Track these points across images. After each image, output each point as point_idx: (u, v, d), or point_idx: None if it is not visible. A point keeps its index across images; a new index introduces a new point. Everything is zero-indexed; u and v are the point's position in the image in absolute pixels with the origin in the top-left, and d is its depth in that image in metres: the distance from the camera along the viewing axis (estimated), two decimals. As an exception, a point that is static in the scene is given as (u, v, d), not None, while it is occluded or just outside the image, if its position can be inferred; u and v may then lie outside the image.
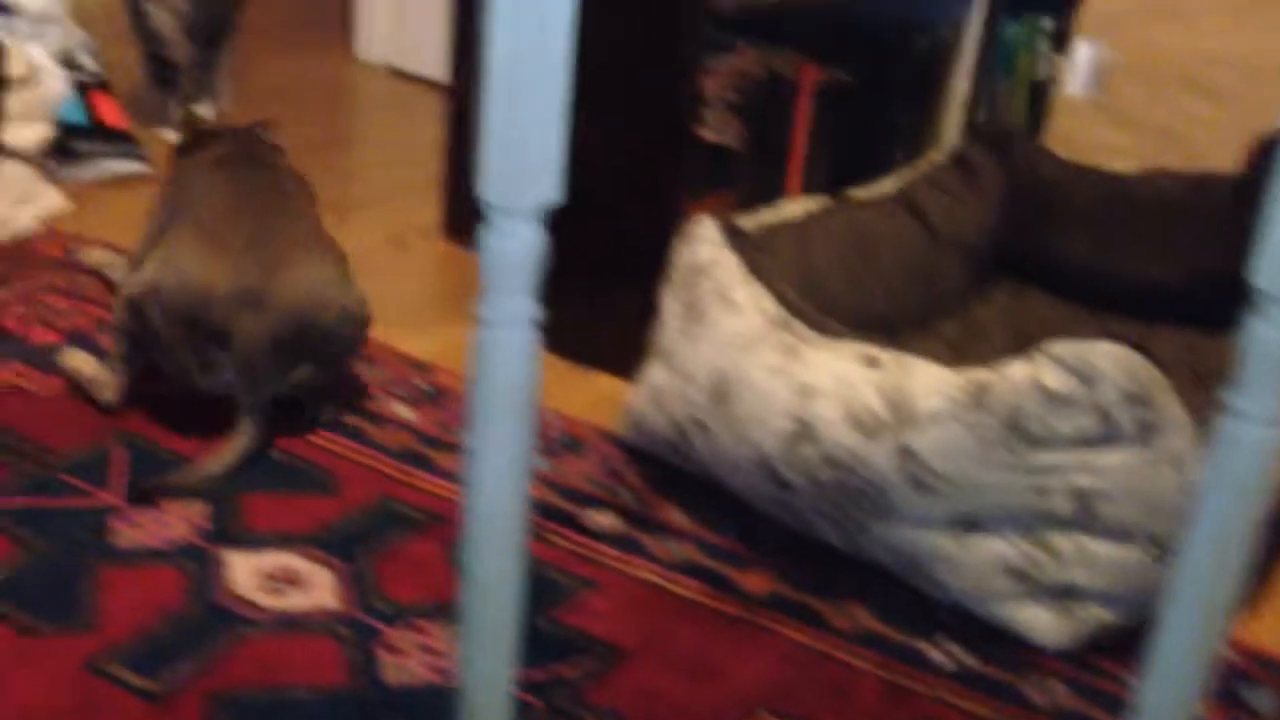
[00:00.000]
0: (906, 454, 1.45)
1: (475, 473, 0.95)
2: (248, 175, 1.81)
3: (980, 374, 1.45)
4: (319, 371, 1.71)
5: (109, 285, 2.02)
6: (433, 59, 3.28)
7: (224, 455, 1.63)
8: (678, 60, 1.87)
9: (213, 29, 2.77)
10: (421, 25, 3.31)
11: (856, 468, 1.48)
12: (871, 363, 1.51)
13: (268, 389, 1.64)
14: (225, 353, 1.63)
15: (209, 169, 1.82)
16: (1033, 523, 1.45)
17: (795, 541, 1.61)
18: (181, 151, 1.93)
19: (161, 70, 2.76)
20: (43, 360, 1.85)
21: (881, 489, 1.47)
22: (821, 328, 1.59)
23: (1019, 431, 1.42)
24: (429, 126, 2.99)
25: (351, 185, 2.74)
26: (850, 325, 1.62)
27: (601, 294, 1.95)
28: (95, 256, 2.16)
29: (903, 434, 1.45)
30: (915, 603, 1.53)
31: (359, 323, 1.74)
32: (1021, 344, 1.50)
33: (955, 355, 1.58)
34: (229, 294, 1.62)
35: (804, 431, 1.51)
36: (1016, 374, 1.43)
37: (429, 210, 2.53)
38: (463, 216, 2.44)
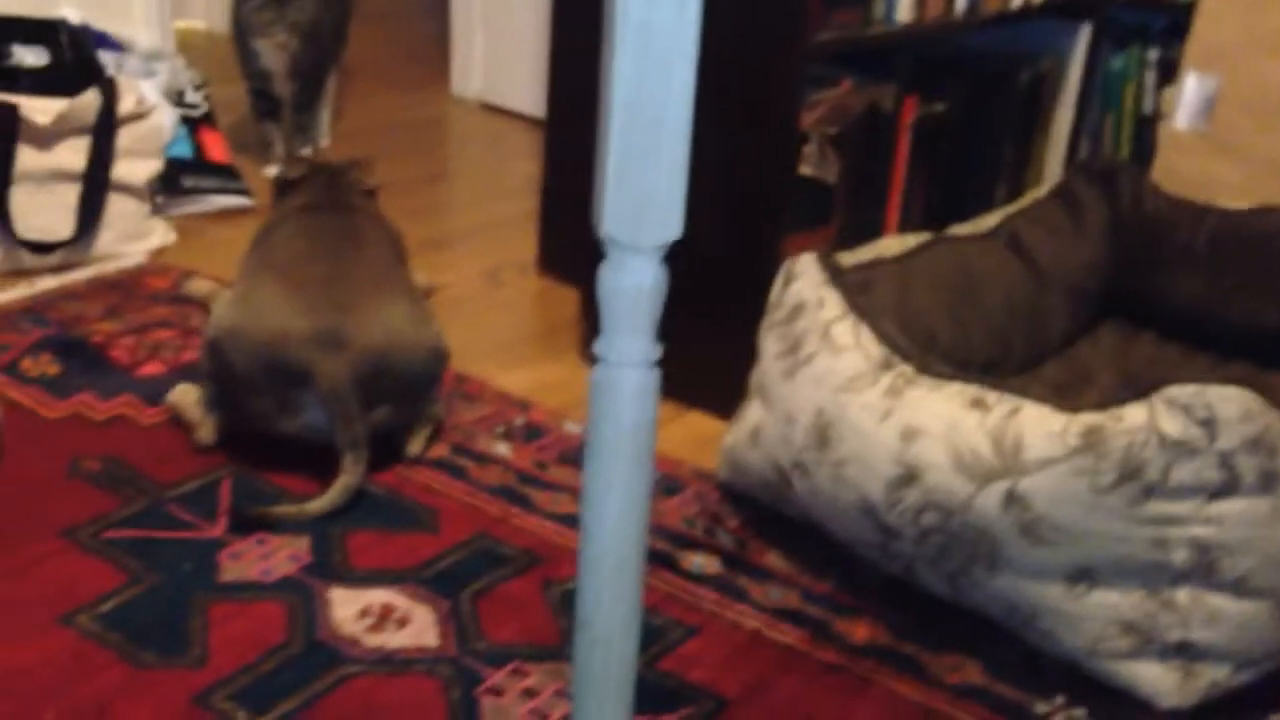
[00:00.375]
0: (1016, 501, 1.41)
1: (591, 516, 0.94)
2: (330, 219, 1.85)
3: (1092, 418, 1.41)
4: (397, 411, 1.73)
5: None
6: (527, 94, 3.31)
7: (331, 496, 1.64)
8: (777, 95, 1.86)
9: (317, 67, 2.86)
10: (515, 62, 3.34)
11: (963, 514, 1.45)
12: (979, 405, 1.48)
13: (360, 426, 1.65)
14: (308, 394, 1.65)
15: (295, 214, 1.87)
16: (1150, 575, 1.40)
17: (898, 589, 1.58)
18: (278, 194, 2.00)
19: (267, 105, 2.84)
20: (150, 392, 1.88)
21: (990, 537, 1.43)
22: (926, 368, 1.55)
23: (1135, 479, 1.37)
24: (523, 162, 3.02)
25: (447, 221, 2.76)
26: (952, 365, 1.59)
27: (698, 332, 1.94)
28: (199, 287, 2.21)
29: (1012, 480, 1.42)
30: (1025, 657, 1.48)
31: (437, 360, 1.77)
32: (1130, 386, 1.45)
33: (1061, 398, 1.54)
34: (306, 335, 1.65)
35: (908, 475, 1.48)
36: (1132, 418, 1.39)
37: (524, 245, 2.54)
38: (558, 252, 2.45)
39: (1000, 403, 1.47)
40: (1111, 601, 1.41)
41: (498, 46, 3.39)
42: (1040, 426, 1.42)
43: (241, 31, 2.77)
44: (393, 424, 1.74)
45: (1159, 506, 1.37)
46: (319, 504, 1.63)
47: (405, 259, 1.91)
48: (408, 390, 1.73)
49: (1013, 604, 1.47)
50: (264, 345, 1.65)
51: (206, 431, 1.75)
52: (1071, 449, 1.39)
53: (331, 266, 1.74)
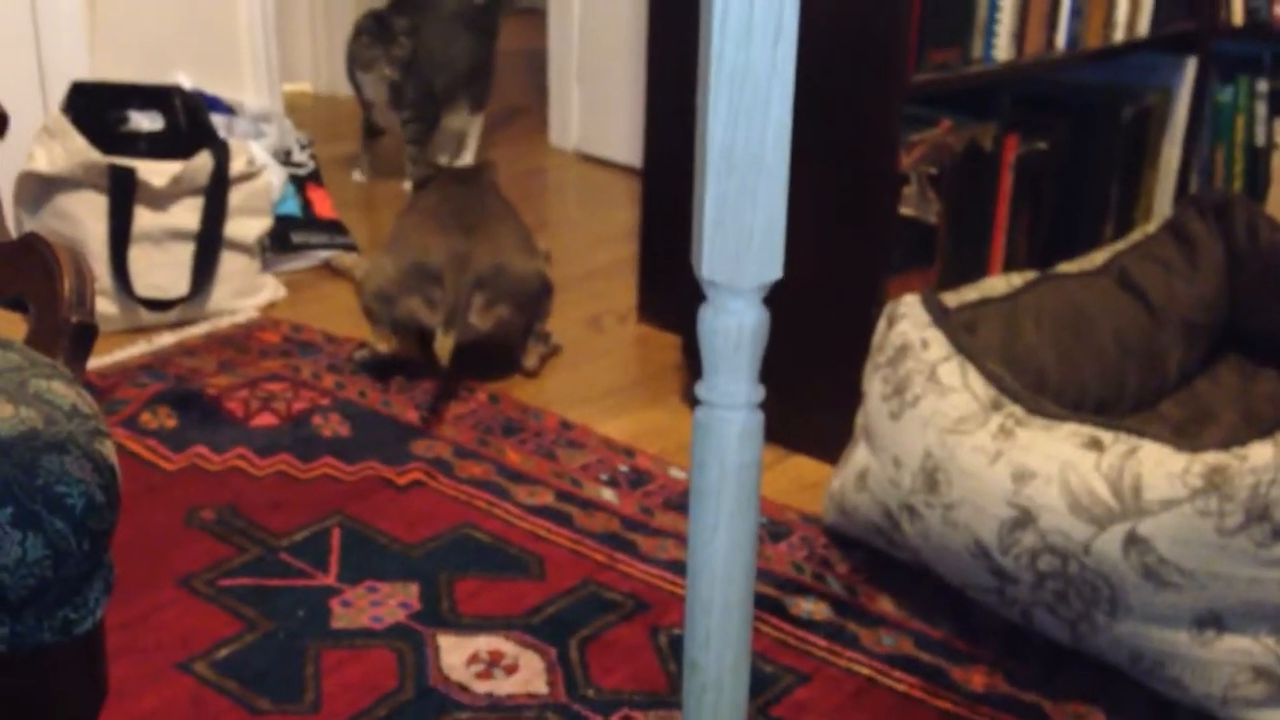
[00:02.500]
0: (1137, 544, 1.37)
1: (698, 559, 0.94)
2: (460, 189, 2.32)
3: (1216, 457, 1.37)
4: (512, 314, 2.15)
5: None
6: (623, 144, 3.34)
7: (443, 357, 2.02)
8: (875, 136, 1.85)
9: (423, 102, 3.10)
10: (612, 113, 3.38)
11: (1082, 557, 1.40)
12: (1094, 445, 1.44)
13: (460, 317, 2.07)
14: (440, 290, 2.09)
15: (431, 190, 2.34)
16: (1282, 619, 1.34)
17: (1015, 635, 1.53)
18: (416, 188, 2.43)
19: (369, 131, 3.18)
20: (263, 444, 1.92)
21: (1110, 581, 1.39)
22: (1037, 408, 1.52)
23: (1263, 520, 1.32)
24: (621, 211, 3.04)
25: (549, 270, 2.79)
26: (1064, 405, 1.55)
27: (801, 374, 1.92)
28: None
29: (1132, 522, 1.37)
30: (1151, 705, 1.43)
31: (542, 284, 2.21)
32: (1254, 424, 1.41)
33: (1180, 437, 1.49)
34: (443, 252, 2.11)
35: (1023, 518, 1.45)
36: (1257, 457, 1.34)
37: (624, 293, 2.55)
38: (657, 299, 2.46)
39: (1117, 443, 1.43)
40: (1242, 647, 1.36)
41: (594, 98, 3.44)
42: (1160, 467, 1.38)
43: (350, 64, 3.07)
44: (510, 328, 2.17)
45: (1289, 548, 1.32)
46: (443, 361, 2.03)
47: (521, 221, 2.31)
48: (519, 298, 2.16)
49: (1137, 651, 1.41)
50: (412, 257, 2.12)
51: (384, 343, 2.15)
52: (1195, 490, 1.35)
53: (462, 213, 2.20)
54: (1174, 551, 1.35)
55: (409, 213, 2.28)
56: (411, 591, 1.60)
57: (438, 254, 2.11)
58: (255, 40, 2.90)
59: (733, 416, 0.92)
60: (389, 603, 1.57)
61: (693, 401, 0.93)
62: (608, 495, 1.84)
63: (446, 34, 3.11)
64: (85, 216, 2.29)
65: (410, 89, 3.05)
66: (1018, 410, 1.52)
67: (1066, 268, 1.95)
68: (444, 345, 2.04)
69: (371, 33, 2.98)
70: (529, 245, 2.24)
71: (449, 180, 2.37)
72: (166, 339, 2.28)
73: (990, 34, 1.93)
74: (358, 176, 3.18)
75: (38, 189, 2.32)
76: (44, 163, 2.29)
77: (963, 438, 1.52)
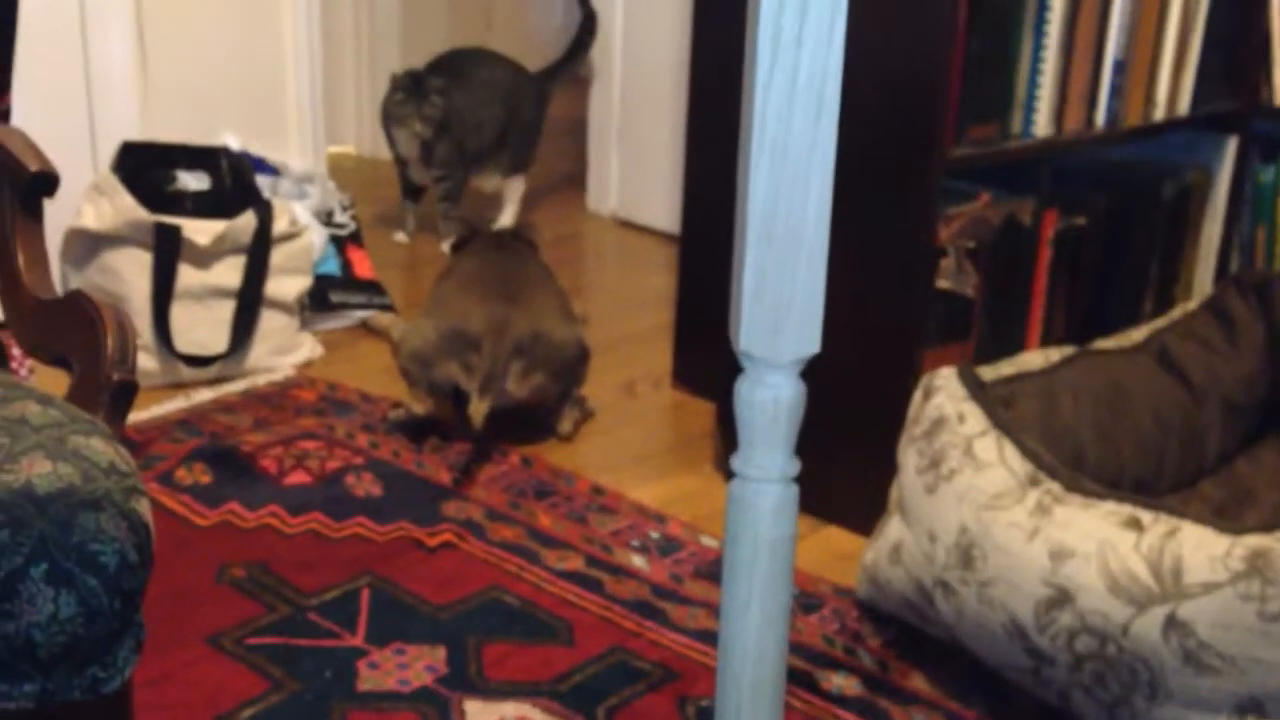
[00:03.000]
0: (1177, 627, 1.34)
1: (730, 632, 0.93)
2: (498, 254, 2.35)
3: (1258, 540, 1.34)
4: (548, 381, 2.17)
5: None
6: (661, 210, 3.37)
7: (477, 420, 2.05)
8: (914, 209, 1.85)
9: (455, 161, 3.19)
10: (650, 179, 3.41)
11: (1120, 639, 1.38)
12: (1134, 525, 1.42)
13: (497, 384, 2.11)
14: (480, 356, 2.12)
15: (470, 253, 2.37)
16: (1327, 708, 1.31)
17: (1051, 717, 1.50)
18: (454, 249, 2.48)
19: (405, 186, 3.25)
20: (295, 502, 1.93)
21: (1150, 664, 1.36)
22: (1075, 485, 1.50)
23: (1306, 605, 1.29)
24: (657, 276, 3.05)
25: (584, 334, 2.80)
26: (1101, 483, 1.53)
27: (835, 444, 1.91)
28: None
29: (1172, 605, 1.35)
30: (1190, 791, 1.39)
31: (579, 351, 2.24)
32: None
33: (1221, 518, 1.47)
34: (482, 319, 2.15)
35: (1060, 597, 1.42)
36: (1300, 541, 1.31)
37: (659, 358, 2.56)
38: (692, 365, 2.46)
39: (1157, 523, 1.41)
40: (1285, 737, 1.33)
41: (633, 164, 3.47)
42: (1201, 549, 1.36)
43: (385, 119, 3.14)
44: (546, 395, 2.19)
45: (1333, 635, 1.29)
46: (477, 426, 2.06)
47: (560, 288, 2.35)
48: (556, 365, 2.18)
49: (1175, 737, 1.38)
50: (451, 323, 2.17)
51: (420, 405, 2.20)
52: (1236, 573, 1.32)
53: (502, 280, 2.24)
54: (1214, 636, 1.32)
55: (448, 277, 2.32)
56: (439, 655, 1.59)
57: (477, 321, 2.14)
58: (302, 103, 2.95)
59: (768, 490, 0.92)
60: (416, 665, 1.56)
61: (726, 469, 0.93)
62: (638, 562, 1.83)
63: (479, 98, 3.18)
64: (130, 273, 2.32)
65: (441, 148, 3.12)
66: (1055, 487, 1.50)
67: (1105, 344, 1.93)
68: (479, 410, 2.06)
69: (406, 89, 3.06)
70: (567, 311, 2.28)
71: (488, 244, 2.41)
72: (205, 395, 2.30)
73: (1030, 110, 1.94)
74: (400, 238, 3.22)
75: (85, 245, 2.36)
76: (92, 219, 2.33)
77: (999, 513, 1.50)
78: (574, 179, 3.75)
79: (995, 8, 1.86)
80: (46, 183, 1.25)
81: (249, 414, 2.23)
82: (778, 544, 0.91)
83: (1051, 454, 1.57)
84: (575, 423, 2.25)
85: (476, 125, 3.17)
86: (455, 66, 3.19)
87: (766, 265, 0.87)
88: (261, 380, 2.38)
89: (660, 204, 3.36)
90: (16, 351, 1.78)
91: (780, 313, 0.89)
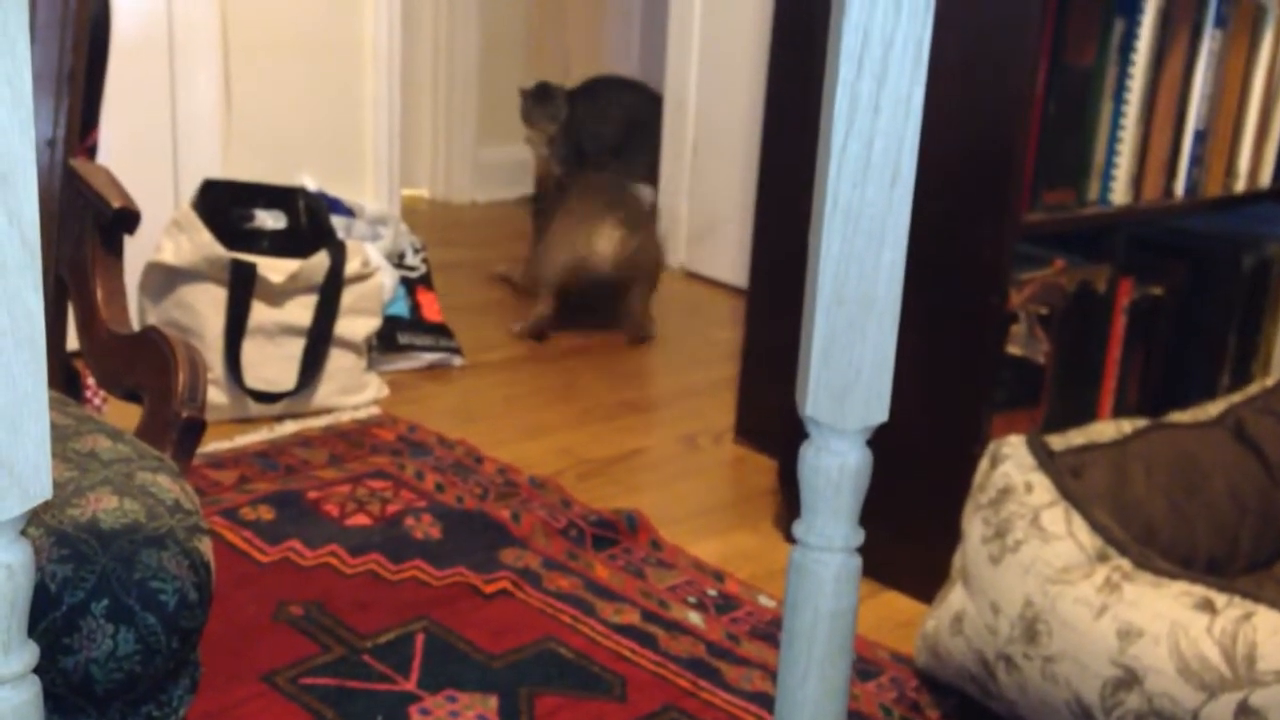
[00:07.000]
0: (1250, 715, 1.30)
1: (786, 703, 0.91)
2: (598, 189, 3.11)
3: (1337, 629, 1.30)
4: (637, 243, 2.96)
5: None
6: (728, 264, 3.37)
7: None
8: (986, 274, 1.83)
9: (574, 156, 3.79)
10: (720, 233, 3.42)
11: (1189, 724, 1.34)
12: (1207, 607, 1.38)
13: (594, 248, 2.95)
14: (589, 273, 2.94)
15: (576, 192, 3.11)
16: (1407, 809, 1.26)
17: (1114, 800, 1.46)
18: (536, 200, 3.37)
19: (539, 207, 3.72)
20: (355, 543, 1.94)
21: (1219, 752, 1.32)
22: (1145, 563, 1.46)
23: (1387, 700, 1.25)
24: (723, 329, 3.05)
25: (648, 385, 2.80)
26: (1173, 560, 1.49)
27: (898, 508, 1.88)
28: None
29: (1245, 692, 1.30)
30: None
31: (656, 258, 3.07)
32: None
33: (1299, 602, 1.42)
34: (603, 242, 2.92)
35: (1128, 678, 1.38)
36: (1382, 632, 1.27)
37: (722, 412, 2.54)
38: (755, 420, 2.44)
39: (1231, 606, 1.37)
40: (1362, 838, 1.27)
41: (702, 216, 3.48)
42: (1276, 635, 1.31)
43: (523, 118, 3.80)
44: (635, 262, 2.96)
45: None
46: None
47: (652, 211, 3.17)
48: (645, 229, 3.02)
49: (1244, 830, 1.33)
50: (575, 253, 2.94)
51: (546, 305, 2.95)
52: (1312, 662, 1.28)
53: (611, 206, 3.00)
54: (1289, 727, 1.28)
55: (565, 214, 3.01)
56: (491, 704, 1.58)
57: (602, 247, 2.92)
58: (379, 147, 3.00)
59: (830, 560, 0.90)
60: (467, 714, 1.56)
61: (786, 527, 0.92)
62: (694, 619, 1.81)
63: (600, 109, 3.81)
64: (204, 308, 2.36)
65: (562, 147, 3.80)
66: (1125, 564, 1.46)
67: (1179, 417, 1.89)
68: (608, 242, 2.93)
69: (535, 95, 3.74)
70: (650, 228, 3.06)
71: (587, 186, 3.11)
72: (288, 429, 2.33)
73: (1107, 177, 1.91)
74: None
75: (162, 279, 2.41)
76: (170, 254, 2.38)
77: (1066, 588, 1.47)
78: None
79: (1075, 72, 1.84)
80: (127, 220, 1.27)
81: (325, 449, 2.25)
82: (838, 615, 0.89)
83: (1122, 528, 1.54)
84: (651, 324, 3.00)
85: (595, 133, 3.73)
86: (589, 84, 3.85)
87: (836, 331, 0.86)
88: (345, 417, 2.40)
89: (729, 257, 3.37)
90: (91, 383, 1.82)
91: (848, 380, 0.87)
